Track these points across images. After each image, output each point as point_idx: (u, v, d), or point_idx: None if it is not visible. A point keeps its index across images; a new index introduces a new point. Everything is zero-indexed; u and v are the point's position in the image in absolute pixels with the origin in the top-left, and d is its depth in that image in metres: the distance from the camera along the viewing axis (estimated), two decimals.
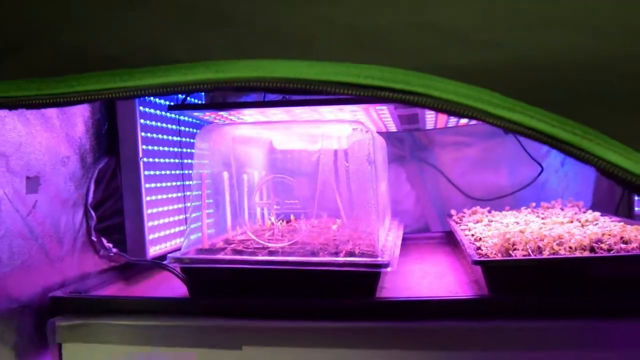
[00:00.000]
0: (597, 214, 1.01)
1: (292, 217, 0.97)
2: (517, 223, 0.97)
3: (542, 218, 1.04)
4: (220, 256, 0.80)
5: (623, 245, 0.78)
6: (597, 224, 0.94)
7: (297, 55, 0.38)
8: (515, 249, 0.77)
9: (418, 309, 0.74)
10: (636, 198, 1.24)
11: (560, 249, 0.76)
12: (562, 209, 1.15)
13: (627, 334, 0.68)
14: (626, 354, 0.67)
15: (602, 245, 0.78)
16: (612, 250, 0.76)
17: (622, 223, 0.90)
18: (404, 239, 1.33)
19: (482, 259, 0.74)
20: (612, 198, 1.37)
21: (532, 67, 0.38)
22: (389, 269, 0.75)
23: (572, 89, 0.37)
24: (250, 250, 0.84)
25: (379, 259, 0.76)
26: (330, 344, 0.74)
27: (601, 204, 1.34)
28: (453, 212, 1.23)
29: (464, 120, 1.19)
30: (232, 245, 0.87)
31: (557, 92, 0.38)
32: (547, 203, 1.20)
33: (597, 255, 0.74)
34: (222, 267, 0.78)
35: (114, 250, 0.98)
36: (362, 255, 0.78)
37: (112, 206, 1.02)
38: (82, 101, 0.42)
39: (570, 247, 0.78)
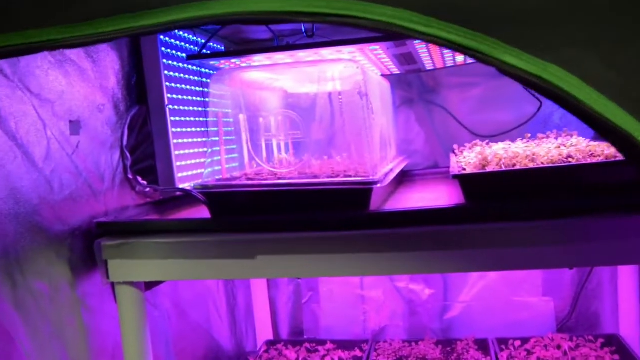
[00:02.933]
0: (582, 138, 1.09)
1: (305, 156, 1.10)
2: (504, 149, 1.06)
3: (527, 146, 1.12)
4: (236, 182, 0.94)
5: (589, 159, 0.87)
6: (578, 146, 1.03)
7: None
8: (489, 165, 0.87)
9: (403, 217, 0.86)
10: None
11: (529, 164, 0.86)
12: (555, 139, 1.22)
13: (574, 231, 0.78)
14: (572, 248, 0.77)
15: (572, 160, 0.87)
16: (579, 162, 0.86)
17: (597, 143, 0.98)
18: (413, 176, 1.44)
19: (459, 172, 0.85)
20: None
21: None
22: (379, 185, 0.86)
23: (475, 8, 0.47)
24: (262, 177, 0.97)
25: (370, 177, 0.88)
26: (331, 250, 0.87)
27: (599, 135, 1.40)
28: (455, 146, 1.32)
29: (460, 58, 1.27)
30: (247, 175, 1.00)
31: (463, 10, 0.48)
32: (543, 134, 1.27)
33: (549, 165, 0.84)
34: (237, 190, 0.92)
35: (148, 187, 1.13)
36: (357, 176, 0.90)
37: (145, 150, 1.17)
38: (110, 39, 0.54)
39: (542, 162, 0.87)
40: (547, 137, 1.26)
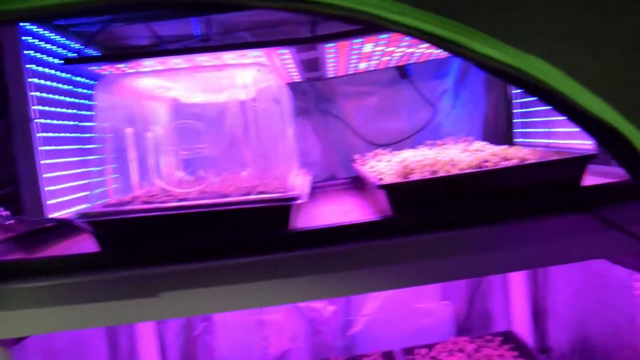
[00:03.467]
0: (485, 143, 1.11)
1: (201, 172, 0.98)
2: (414, 156, 1.04)
3: (435, 152, 1.12)
4: (130, 207, 0.79)
5: (505, 163, 0.87)
6: (484, 150, 1.03)
7: None
8: (412, 173, 0.83)
9: (331, 234, 0.78)
10: (517, 130, 1.36)
11: (453, 169, 0.83)
12: (455, 144, 1.24)
13: (514, 236, 0.76)
14: (514, 252, 0.76)
15: (488, 164, 0.86)
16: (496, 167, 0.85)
17: (505, 146, 1.00)
18: (312, 188, 1.38)
19: (385, 182, 0.80)
20: (497, 133, 1.50)
21: None
22: (299, 201, 0.78)
23: None
24: (159, 199, 0.84)
25: (289, 193, 0.79)
26: (248, 279, 0.77)
27: (489, 139, 1.46)
28: (357, 156, 1.28)
29: (362, 65, 1.24)
30: (141, 198, 0.86)
31: None
32: (441, 140, 1.28)
33: (481, 170, 0.82)
34: (133, 216, 0.78)
35: (11, 218, 0.93)
36: (272, 192, 0.81)
37: (6, 173, 0.96)
38: None
39: (461, 168, 0.85)
40: (446, 143, 1.27)
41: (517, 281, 1.49)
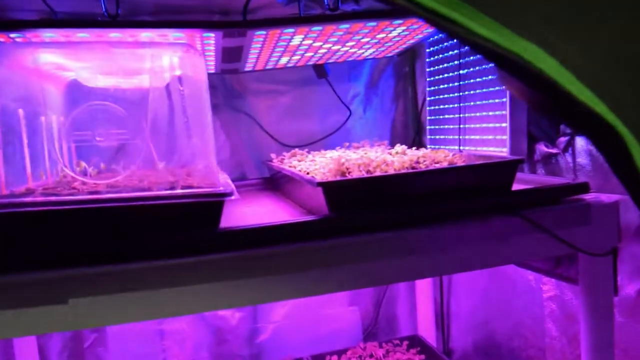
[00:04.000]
0: (405, 147, 1.11)
1: (102, 165, 0.87)
2: (340, 156, 1.01)
3: (357, 153, 1.10)
4: (29, 199, 0.67)
5: (437, 165, 0.87)
6: (407, 153, 1.03)
7: None
8: (350, 172, 0.80)
9: (263, 235, 0.72)
10: (428, 137, 1.40)
11: (388, 169, 0.82)
12: (371, 147, 1.23)
13: (448, 238, 0.76)
14: (449, 255, 0.75)
15: (421, 165, 0.86)
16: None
17: (429, 149, 1.00)
18: None
19: (324, 180, 0.76)
20: (406, 139, 1.53)
21: None
22: (233, 197, 0.71)
23: None
24: (65, 193, 0.72)
25: (219, 188, 0.72)
26: (173, 283, 0.68)
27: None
28: (273, 155, 1.23)
29: (283, 60, 1.19)
30: (41, 190, 0.74)
31: None
32: (357, 143, 1.28)
33: (424, 170, 0.82)
34: (34, 209, 0.66)
35: None
36: (198, 187, 0.73)
37: None
38: None
39: (395, 169, 0.84)
40: (363, 146, 1.26)
41: (423, 285, 1.52)
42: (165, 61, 0.72)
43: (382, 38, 1.08)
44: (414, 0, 0.40)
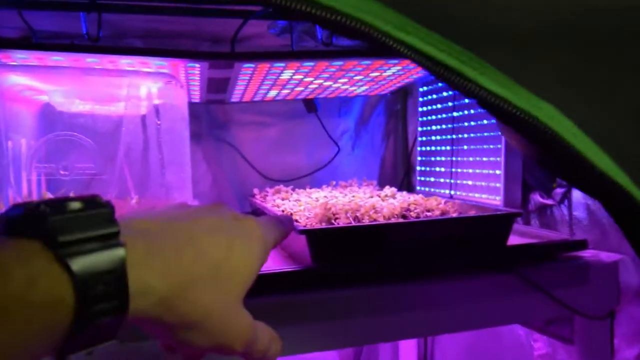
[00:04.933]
0: (394, 189, 1.06)
1: (72, 194, 0.80)
2: (326, 197, 0.96)
3: (345, 195, 1.05)
4: None
5: (428, 213, 0.82)
6: (396, 197, 0.99)
7: None
8: (337, 218, 0.75)
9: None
10: (418, 178, 1.35)
11: (378, 217, 0.77)
12: (359, 187, 1.19)
13: (447, 293, 0.71)
14: (445, 311, 0.70)
15: (412, 214, 0.81)
16: (419, 217, 0.80)
17: (420, 195, 0.96)
18: None
19: (308, 227, 0.70)
20: (395, 179, 1.49)
21: None
22: None
23: (465, 17, 0.34)
24: None
25: None
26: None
27: (386, 184, 1.44)
28: (256, 191, 1.18)
29: (272, 93, 1.14)
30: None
31: (449, 18, 0.34)
32: (345, 182, 1.23)
33: (416, 220, 0.77)
34: None
35: None
36: None
37: None
38: None
39: (384, 216, 0.79)
40: (350, 185, 1.22)
41: (408, 344, 1.46)
42: (142, 91, 0.66)
43: (376, 76, 1.04)
44: (420, 52, 0.35)
